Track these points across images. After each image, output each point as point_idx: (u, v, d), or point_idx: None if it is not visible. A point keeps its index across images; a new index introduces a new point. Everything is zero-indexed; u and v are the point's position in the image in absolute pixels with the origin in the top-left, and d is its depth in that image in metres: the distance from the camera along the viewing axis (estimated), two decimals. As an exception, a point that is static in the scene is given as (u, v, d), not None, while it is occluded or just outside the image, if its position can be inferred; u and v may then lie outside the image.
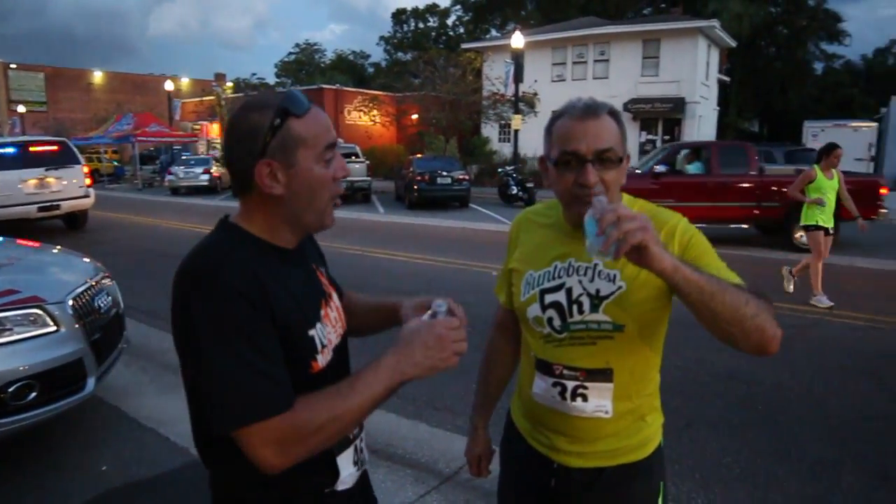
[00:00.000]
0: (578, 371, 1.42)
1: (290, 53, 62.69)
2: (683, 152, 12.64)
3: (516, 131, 20.58)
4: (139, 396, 4.32)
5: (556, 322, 1.43)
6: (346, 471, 1.26)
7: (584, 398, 1.42)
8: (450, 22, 59.13)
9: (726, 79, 33.48)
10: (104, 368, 3.63)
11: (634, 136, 27.97)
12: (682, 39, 26.71)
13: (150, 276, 8.61)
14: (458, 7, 54.75)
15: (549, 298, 1.44)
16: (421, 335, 1.11)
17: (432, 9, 60.18)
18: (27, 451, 3.49)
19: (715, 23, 27.05)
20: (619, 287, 1.37)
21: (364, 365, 1.12)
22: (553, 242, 1.49)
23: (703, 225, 9.43)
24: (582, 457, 1.47)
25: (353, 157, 20.73)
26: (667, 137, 27.75)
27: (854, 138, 20.27)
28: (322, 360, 1.18)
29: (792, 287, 7.23)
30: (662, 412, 1.55)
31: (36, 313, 3.22)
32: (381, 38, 64.53)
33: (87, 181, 12.89)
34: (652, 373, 1.49)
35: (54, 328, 3.26)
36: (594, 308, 1.38)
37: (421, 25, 61.61)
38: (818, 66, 45.45)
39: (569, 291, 1.42)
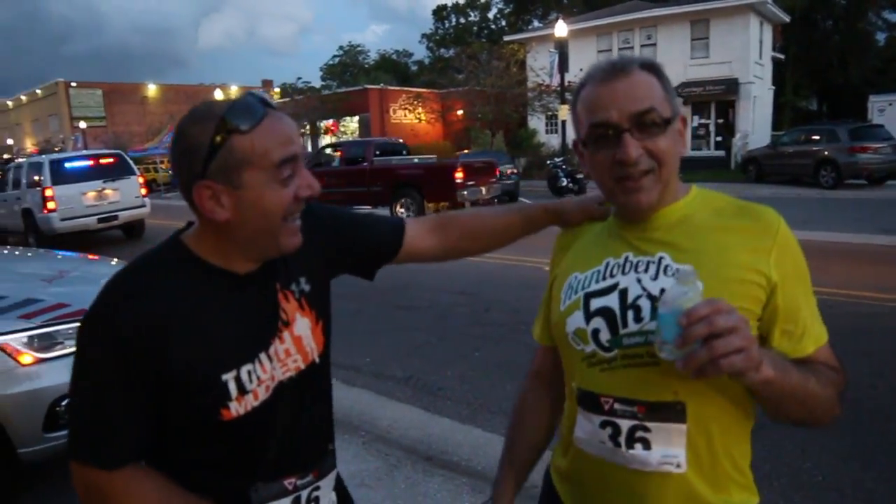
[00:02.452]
0: (635, 405, 1.03)
1: (335, 56, 63.35)
2: (328, 150, 17.46)
3: (563, 122, 20.29)
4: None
5: (604, 335, 1.07)
6: None
7: (646, 444, 1.03)
8: (491, 15, 58.77)
9: (781, 56, 32.14)
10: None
11: (687, 121, 27.15)
12: (733, 18, 25.71)
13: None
14: (499, 0, 54.43)
15: (595, 303, 1.09)
16: None
17: (473, 3, 59.86)
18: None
19: (767, -2, 25.99)
20: None
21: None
22: (605, 239, 1.18)
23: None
24: None
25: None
26: (720, 121, 26.81)
27: (924, 111, 19.13)
28: (237, 407, 1.03)
29: None
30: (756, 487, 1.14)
31: (86, 327, 3.21)
32: (423, 35, 64.60)
33: (143, 191, 13.31)
34: (742, 421, 1.08)
35: (104, 341, 3.25)
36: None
37: (462, 20, 61.38)
38: (880, 37, 43.18)
39: (623, 294, 1.07)
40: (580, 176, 18.14)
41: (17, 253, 5.47)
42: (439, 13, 62.09)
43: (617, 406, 1.04)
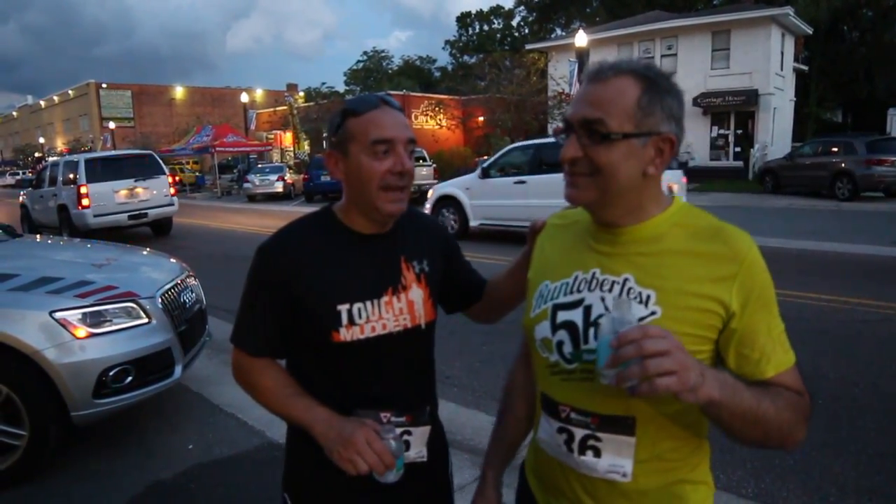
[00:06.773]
0: (590, 416, 1.08)
1: (359, 61, 63.91)
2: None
3: (581, 130, 20.41)
4: (220, 385, 4.68)
5: (567, 348, 1.12)
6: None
7: (597, 452, 1.09)
8: (514, 23, 59.15)
9: (804, 67, 32.04)
10: (189, 358, 4.00)
11: (706, 131, 27.23)
12: (754, 29, 25.78)
13: (229, 277, 9.11)
14: (522, 8, 54.70)
15: (561, 316, 1.14)
16: (348, 427, 1.23)
17: (497, 11, 60.31)
18: (122, 432, 3.91)
19: (789, 10, 25.96)
20: (653, 313, 1.05)
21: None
22: (578, 246, 1.20)
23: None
24: None
25: (420, 161, 21.26)
26: (739, 131, 26.85)
27: (946, 125, 19.02)
28: (345, 334, 1.31)
29: None
30: (713, 482, 1.20)
31: (131, 307, 3.61)
32: (447, 41, 65.31)
33: (172, 190, 13.83)
34: (695, 428, 1.12)
35: (146, 320, 3.65)
36: None
37: (486, 28, 61.82)
38: (908, 50, 42.66)
39: (587, 310, 1.11)
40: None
41: (63, 242, 5.93)
42: (463, 20, 62.59)
43: (573, 415, 1.11)
